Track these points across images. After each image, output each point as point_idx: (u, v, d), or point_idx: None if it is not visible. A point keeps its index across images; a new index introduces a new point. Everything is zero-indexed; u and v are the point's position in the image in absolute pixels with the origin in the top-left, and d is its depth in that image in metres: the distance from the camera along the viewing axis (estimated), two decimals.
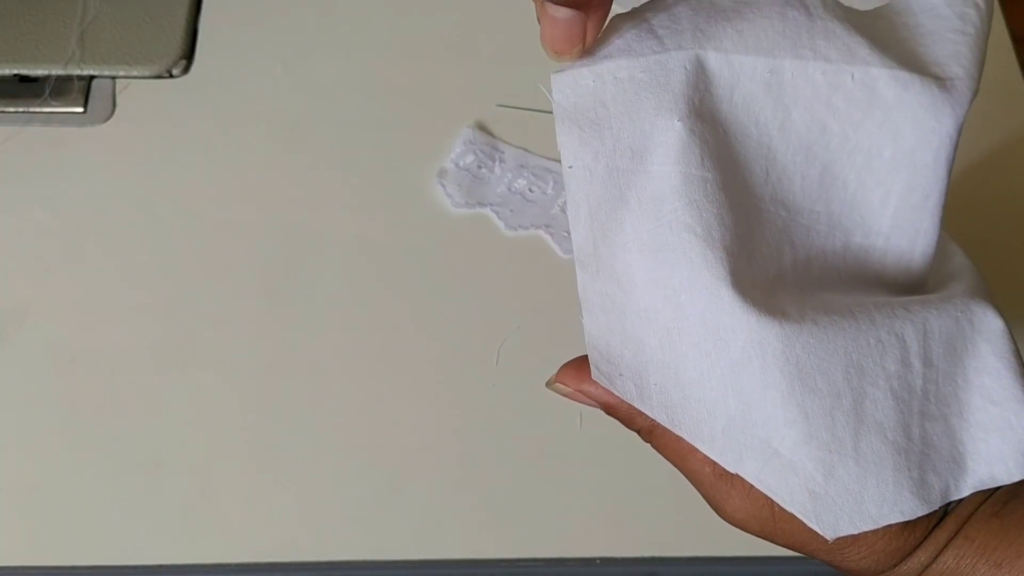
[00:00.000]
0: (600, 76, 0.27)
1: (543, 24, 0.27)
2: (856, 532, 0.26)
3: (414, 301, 0.47)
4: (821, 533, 0.26)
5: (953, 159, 0.29)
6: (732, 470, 0.27)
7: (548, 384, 0.29)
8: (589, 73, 0.27)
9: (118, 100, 0.53)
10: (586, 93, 0.27)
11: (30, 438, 0.43)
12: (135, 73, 0.53)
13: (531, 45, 0.61)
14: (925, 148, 0.28)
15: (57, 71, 0.53)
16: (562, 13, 0.27)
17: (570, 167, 0.27)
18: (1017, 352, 0.28)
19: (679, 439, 0.27)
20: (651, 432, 0.28)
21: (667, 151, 0.26)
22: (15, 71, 0.53)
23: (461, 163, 0.51)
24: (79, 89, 0.53)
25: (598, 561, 0.42)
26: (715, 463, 0.27)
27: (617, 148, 0.27)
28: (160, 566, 0.41)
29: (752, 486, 0.26)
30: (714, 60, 0.27)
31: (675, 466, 0.28)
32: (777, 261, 0.28)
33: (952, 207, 0.52)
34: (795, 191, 0.28)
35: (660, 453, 0.28)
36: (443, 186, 0.50)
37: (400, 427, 0.44)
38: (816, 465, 0.26)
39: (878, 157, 0.29)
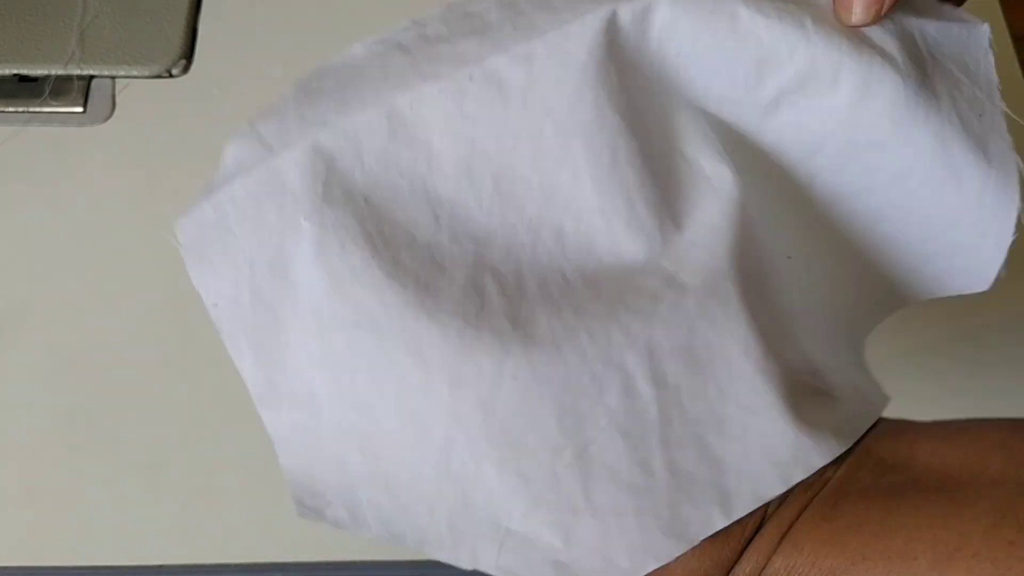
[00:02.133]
0: (219, 204, 0.25)
1: None
2: None
3: None
4: None
5: (616, 96, 0.26)
6: (470, 567, 0.24)
7: None
8: (208, 205, 0.26)
9: (118, 100, 0.53)
10: (209, 226, 0.26)
11: (30, 438, 0.43)
12: (135, 73, 0.53)
13: None
14: (581, 105, 0.26)
15: (57, 71, 0.53)
16: None
17: (214, 305, 0.26)
18: (768, 353, 0.26)
19: None
20: None
21: (304, 254, 0.25)
22: (15, 71, 0.53)
23: None
24: (79, 89, 0.53)
25: None
26: None
27: (255, 270, 0.25)
28: (160, 566, 0.41)
29: None
30: (326, 138, 0.25)
31: None
32: (477, 299, 0.25)
33: None
34: (475, 217, 0.26)
35: None
36: None
37: None
38: (552, 531, 0.24)
39: (542, 138, 0.26)
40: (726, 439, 0.25)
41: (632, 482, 0.24)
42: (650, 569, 0.24)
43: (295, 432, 0.26)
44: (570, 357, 0.24)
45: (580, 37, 0.26)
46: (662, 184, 0.27)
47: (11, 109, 0.52)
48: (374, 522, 0.25)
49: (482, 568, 0.24)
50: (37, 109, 0.52)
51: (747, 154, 0.28)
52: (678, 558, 0.24)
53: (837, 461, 0.26)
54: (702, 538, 0.24)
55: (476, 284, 0.25)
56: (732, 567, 0.25)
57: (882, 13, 0.27)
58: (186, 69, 0.54)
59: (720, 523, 0.24)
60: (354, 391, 0.25)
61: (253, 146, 0.26)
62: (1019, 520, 0.23)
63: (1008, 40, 0.55)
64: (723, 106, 0.28)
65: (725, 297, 0.25)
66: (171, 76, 0.54)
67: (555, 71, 0.26)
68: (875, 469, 0.26)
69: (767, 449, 0.25)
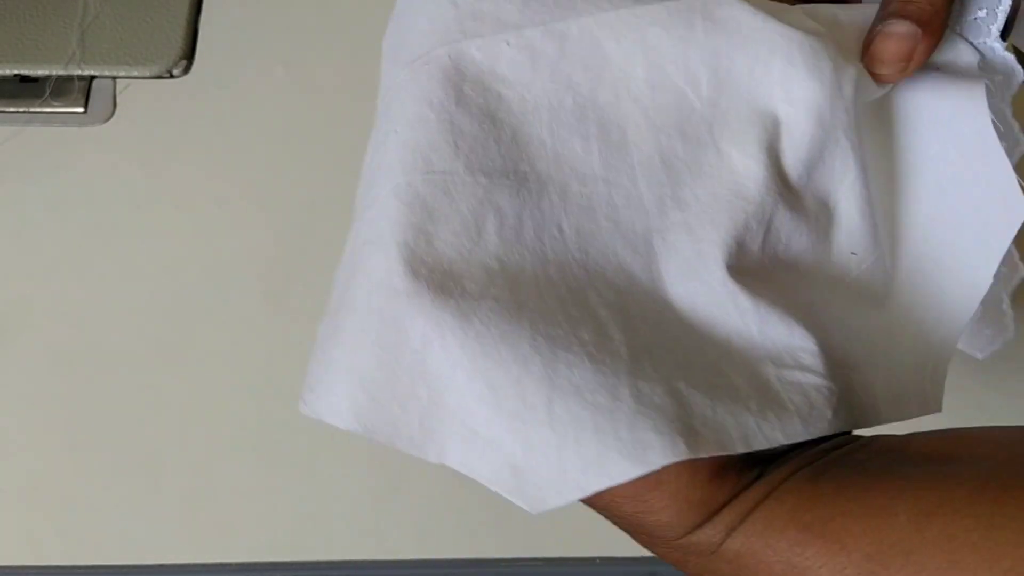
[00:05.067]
0: None
1: (876, 42, 0.31)
2: (562, 503, 0.24)
3: None
4: (527, 509, 0.25)
5: (637, 85, 0.30)
6: (436, 461, 0.26)
7: None
8: None
9: (119, 100, 0.53)
10: None
11: (30, 438, 0.43)
12: (136, 73, 0.53)
13: None
14: (602, 89, 0.29)
15: (58, 71, 0.53)
16: (902, 27, 0.30)
17: None
18: (748, 333, 0.28)
19: None
20: None
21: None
22: (16, 71, 0.53)
23: None
24: (80, 89, 0.53)
25: (598, 561, 0.42)
26: None
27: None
28: (160, 566, 0.41)
29: None
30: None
31: None
32: (475, 230, 0.27)
33: None
34: (491, 156, 0.28)
35: None
36: None
37: None
38: (514, 438, 0.25)
39: (561, 108, 0.29)
40: (695, 389, 0.26)
41: (596, 402, 0.25)
42: (601, 487, 0.24)
43: (322, 331, 0.28)
44: (549, 300, 0.27)
45: (611, 28, 0.29)
46: (678, 167, 0.29)
47: (12, 109, 0.52)
48: (350, 417, 0.26)
49: (447, 463, 0.26)
50: (38, 109, 0.52)
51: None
52: (677, 479, 0.25)
53: (839, 445, 0.27)
54: (660, 465, 0.24)
55: (477, 217, 0.27)
56: (717, 512, 0.26)
57: (908, 72, 0.31)
58: (187, 69, 0.54)
59: (683, 455, 0.25)
60: (355, 299, 0.27)
61: None
62: (1003, 482, 0.24)
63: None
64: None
65: (706, 276, 0.28)
66: (172, 76, 0.54)
67: (583, 52, 0.29)
68: (870, 452, 0.27)
69: (733, 412, 0.26)
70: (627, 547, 0.42)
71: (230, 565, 0.41)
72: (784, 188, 0.30)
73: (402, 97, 0.29)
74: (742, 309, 0.28)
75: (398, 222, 0.27)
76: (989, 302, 0.35)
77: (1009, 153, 0.33)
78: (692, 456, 0.25)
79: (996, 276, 0.33)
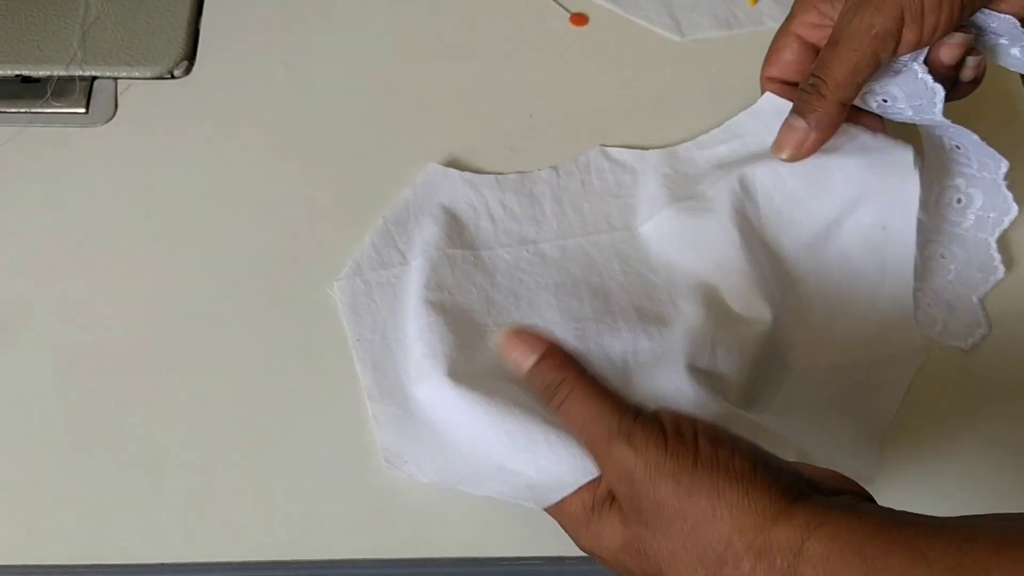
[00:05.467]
0: (367, 282, 0.46)
1: (782, 132, 0.44)
2: (562, 496, 0.37)
3: None
4: (536, 506, 0.38)
5: (609, 268, 0.47)
6: (480, 493, 0.40)
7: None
8: (360, 281, 0.46)
9: (120, 101, 0.53)
10: (360, 293, 0.46)
11: (30, 438, 0.43)
12: (137, 74, 0.53)
13: (533, 44, 0.61)
14: (588, 275, 0.46)
15: (59, 72, 0.53)
16: (799, 123, 0.43)
17: (357, 340, 0.44)
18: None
19: (583, 407, 0.35)
20: (560, 386, 0.36)
21: (410, 318, 0.44)
22: (17, 72, 0.53)
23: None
24: (81, 90, 0.53)
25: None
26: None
27: (387, 324, 0.45)
28: (160, 565, 0.41)
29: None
30: (437, 256, 0.46)
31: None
32: (494, 357, 0.40)
33: None
34: (513, 316, 0.45)
35: (565, 415, 0.36)
36: None
37: None
38: (526, 465, 0.38)
39: (562, 286, 0.46)
40: None
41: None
42: (586, 480, 0.37)
43: (388, 418, 0.43)
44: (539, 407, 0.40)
45: (594, 244, 0.47)
46: (647, 315, 0.45)
47: (13, 110, 0.52)
48: (432, 473, 0.41)
49: (490, 494, 0.39)
50: (39, 110, 0.52)
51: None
52: (731, 488, 0.31)
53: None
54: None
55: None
56: (788, 508, 0.30)
57: (800, 158, 0.44)
58: (188, 70, 0.54)
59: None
60: (425, 396, 0.42)
61: (389, 245, 0.47)
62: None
63: None
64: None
65: (670, 374, 0.42)
66: (173, 77, 0.54)
67: (577, 257, 0.47)
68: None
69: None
70: None
71: (230, 564, 0.41)
72: (724, 317, 0.44)
73: (456, 272, 0.45)
74: (697, 393, 0.41)
75: (447, 342, 0.42)
76: (956, 303, 0.47)
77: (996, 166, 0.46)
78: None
79: (963, 280, 0.47)
